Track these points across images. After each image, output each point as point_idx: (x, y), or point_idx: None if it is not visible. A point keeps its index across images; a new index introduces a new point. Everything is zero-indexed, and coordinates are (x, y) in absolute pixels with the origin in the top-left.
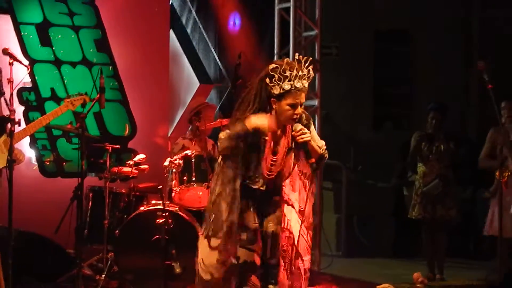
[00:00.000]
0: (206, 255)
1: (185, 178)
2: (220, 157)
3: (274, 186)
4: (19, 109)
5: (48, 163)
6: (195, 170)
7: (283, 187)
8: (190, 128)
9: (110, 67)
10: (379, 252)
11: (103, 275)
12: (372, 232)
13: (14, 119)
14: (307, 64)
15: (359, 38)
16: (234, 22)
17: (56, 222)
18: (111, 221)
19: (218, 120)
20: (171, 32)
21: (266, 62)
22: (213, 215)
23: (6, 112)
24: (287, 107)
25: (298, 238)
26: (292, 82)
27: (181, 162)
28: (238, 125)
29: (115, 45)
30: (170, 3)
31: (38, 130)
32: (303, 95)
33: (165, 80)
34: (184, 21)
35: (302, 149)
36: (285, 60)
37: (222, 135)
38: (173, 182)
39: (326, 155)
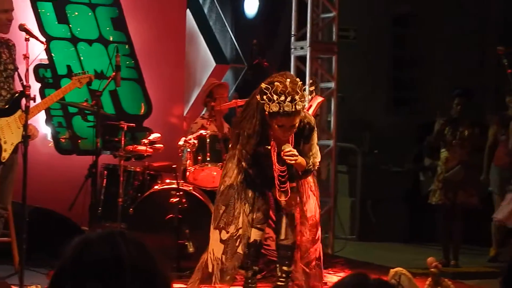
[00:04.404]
0: (216, 247)
1: (199, 158)
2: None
3: (289, 174)
4: (36, 86)
5: (63, 141)
6: (210, 150)
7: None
8: (205, 109)
9: (127, 45)
10: (393, 236)
11: None
12: (386, 216)
13: (29, 94)
14: (304, 87)
15: (376, 21)
16: (252, 2)
17: (70, 199)
18: (125, 199)
19: (234, 101)
20: (188, 12)
21: (283, 44)
22: (223, 207)
23: (19, 88)
24: (277, 126)
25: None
26: (281, 105)
27: (195, 141)
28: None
29: (132, 23)
30: None
31: (54, 107)
32: (295, 118)
33: (181, 59)
34: (201, 1)
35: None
36: (284, 78)
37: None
38: (188, 162)
39: (314, 167)
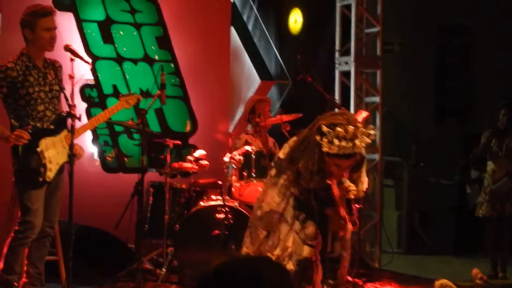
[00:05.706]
0: None
1: (245, 173)
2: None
3: (349, 208)
4: (82, 106)
5: (109, 159)
6: (255, 166)
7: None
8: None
9: (172, 64)
10: (441, 249)
11: (163, 269)
12: (433, 229)
13: (74, 114)
14: (366, 132)
15: (421, 33)
16: (296, 19)
17: (117, 217)
18: (171, 216)
19: (278, 117)
20: (232, 29)
21: (327, 60)
22: (265, 232)
23: (66, 108)
24: (334, 165)
25: None
26: (341, 149)
27: (241, 158)
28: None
29: (177, 42)
30: (231, 0)
31: (100, 127)
32: (353, 160)
33: (226, 76)
34: (245, 18)
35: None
36: (345, 121)
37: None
38: (233, 178)
39: (360, 194)
